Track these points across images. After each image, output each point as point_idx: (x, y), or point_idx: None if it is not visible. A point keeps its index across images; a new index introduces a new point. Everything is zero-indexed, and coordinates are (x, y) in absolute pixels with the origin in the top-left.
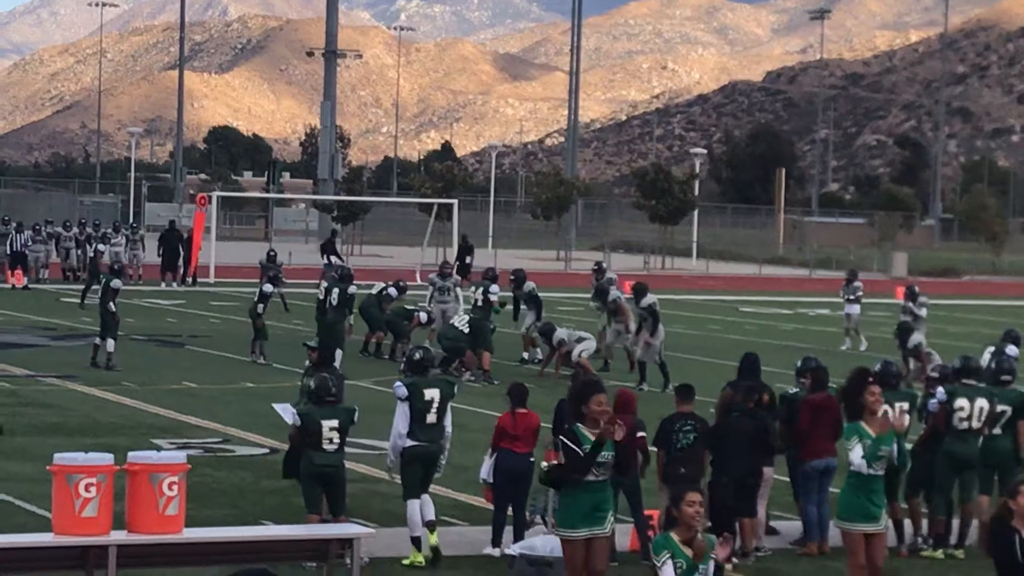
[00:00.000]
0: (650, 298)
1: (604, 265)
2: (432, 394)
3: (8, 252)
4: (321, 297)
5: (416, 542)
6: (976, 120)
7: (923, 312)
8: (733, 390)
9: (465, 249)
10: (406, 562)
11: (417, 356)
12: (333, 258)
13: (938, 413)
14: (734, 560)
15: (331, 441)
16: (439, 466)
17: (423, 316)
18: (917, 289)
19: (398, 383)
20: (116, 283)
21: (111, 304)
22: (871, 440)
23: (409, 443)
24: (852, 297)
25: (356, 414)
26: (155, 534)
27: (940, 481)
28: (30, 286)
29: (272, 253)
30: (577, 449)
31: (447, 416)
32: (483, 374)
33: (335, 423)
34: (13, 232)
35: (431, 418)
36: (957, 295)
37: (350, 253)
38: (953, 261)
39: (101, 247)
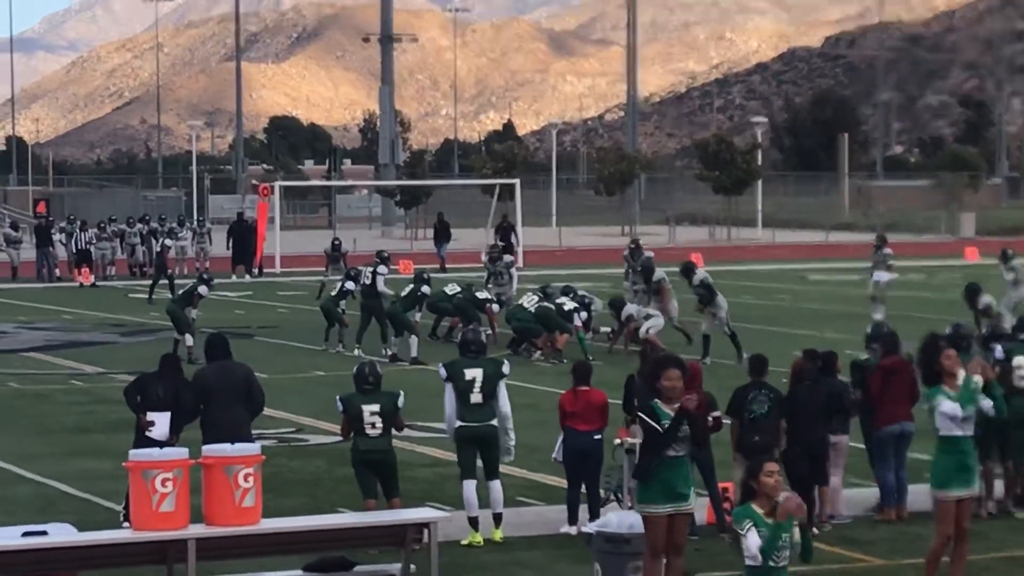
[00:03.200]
0: (700, 274)
1: (640, 242)
2: (474, 374)
3: (74, 250)
4: (404, 294)
5: (473, 522)
6: None
7: (1011, 276)
8: (804, 358)
9: (507, 229)
10: (464, 542)
11: (464, 337)
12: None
13: (1001, 372)
14: (815, 530)
15: (373, 426)
16: (506, 449)
17: (495, 308)
18: (1011, 252)
19: (441, 364)
20: (203, 290)
21: (192, 311)
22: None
23: (458, 424)
24: (885, 264)
25: (400, 399)
26: (233, 526)
27: (1014, 442)
28: (97, 284)
29: (337, 242)
30: (656, 425)
31: (501, 396)
32: (554, 353)
33: (376, 407)
34: (77, 231)
35: (476, 398)
36: None
37: (414, 237)
38: (1022, 219)
39: (168, 242)
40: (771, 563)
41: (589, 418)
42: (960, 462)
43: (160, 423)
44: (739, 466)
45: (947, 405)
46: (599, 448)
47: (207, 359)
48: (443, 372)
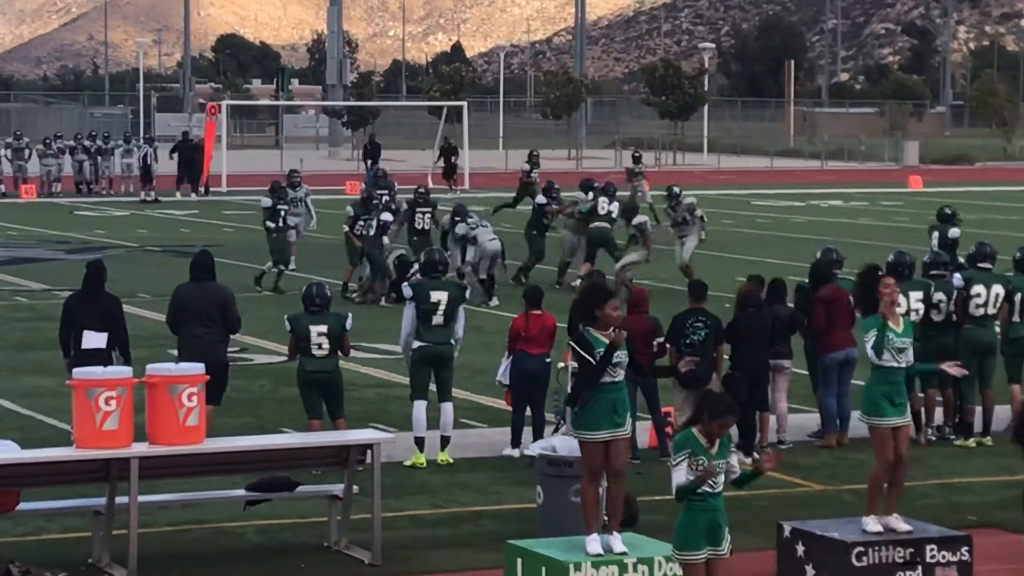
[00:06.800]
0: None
1: (639, 168)
2: (439, 296)
3: (140, 165)
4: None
5: (419, 443)
6: (984, 5)
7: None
8: (750, 284)
9: (449, 150)
10: (407, 463)
11: (429, 257)
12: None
13: (956, 300)
14: (755, 454)
15: (320, 347)
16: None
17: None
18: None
19: (405, 284)
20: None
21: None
22: (893, 334)
23: (416, 344)
24: None
25: (348, 320)
26: (176, 445)
27: (967, 370)
28: (42, 199)
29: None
30: (588, 356)
31: (460, 320)
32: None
33: (323, 328)
34: (147, 147)
35: (437, 320)
36: (970, 182)
37: (361, 158)
38: (965, 148)
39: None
40: (708, 488)
41: (541, 342)
42: (892, 392)
43: (97, 341)
44: (678, 392)
45: (868, 349)
46: (548, 371)
47: (190, 277)
48: (408, 292)
